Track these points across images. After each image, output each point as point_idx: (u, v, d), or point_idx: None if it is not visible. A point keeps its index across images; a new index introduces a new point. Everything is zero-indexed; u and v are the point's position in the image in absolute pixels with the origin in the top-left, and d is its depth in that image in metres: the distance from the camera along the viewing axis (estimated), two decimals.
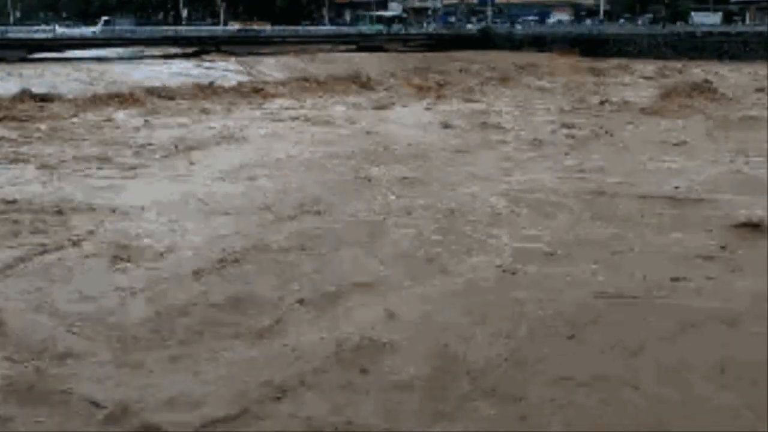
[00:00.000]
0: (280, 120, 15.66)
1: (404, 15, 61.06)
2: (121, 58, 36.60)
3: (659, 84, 22.36)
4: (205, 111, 17.02)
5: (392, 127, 14.34)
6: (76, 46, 40.09)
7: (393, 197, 8.49)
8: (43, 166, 10.59)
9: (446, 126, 14.33)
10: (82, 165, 10.71)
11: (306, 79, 23.44)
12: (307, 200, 8.33)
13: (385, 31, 49.87)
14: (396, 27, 52.74)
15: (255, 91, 20.80)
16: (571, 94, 20.39)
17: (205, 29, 50.81)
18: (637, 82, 24.62)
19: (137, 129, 14.24)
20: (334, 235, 7.01)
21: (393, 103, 18.56)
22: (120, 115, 16.17)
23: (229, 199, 8.46)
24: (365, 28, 54.14)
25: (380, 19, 59.27)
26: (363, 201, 8.28)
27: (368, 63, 30.59)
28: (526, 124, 14.73)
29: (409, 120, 15.57)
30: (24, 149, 12.13)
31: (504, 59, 32.82)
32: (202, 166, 10.62)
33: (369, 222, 7.46)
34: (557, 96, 20.20)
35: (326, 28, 55.36)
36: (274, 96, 19.96)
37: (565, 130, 13.39)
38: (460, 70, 27.20)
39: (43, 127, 14.43)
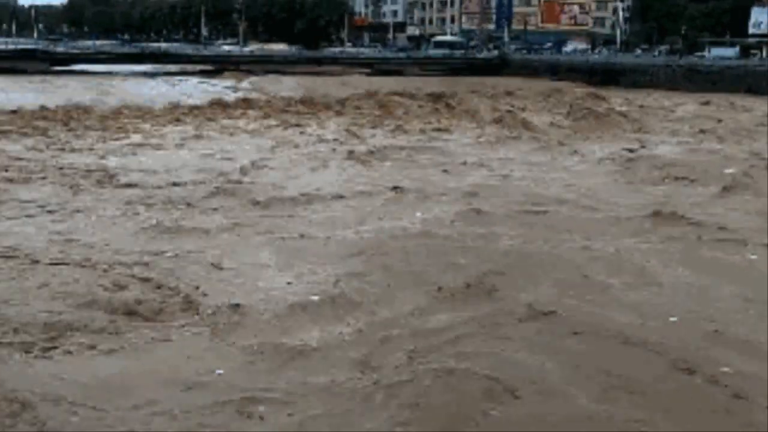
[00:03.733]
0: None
1: (467, 40, 61.79)
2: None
3: None
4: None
5: None
6: (99, 61, 40.80)
7: None
8: None
9: None
10: None
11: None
12: None
13: (449, 56, 50.67)
14: (458, 52, 53.26)
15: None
16: None
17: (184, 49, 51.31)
18: None
19: None
20: None
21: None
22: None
23: None
24: (432, 53, 55.02)
25: (442, 44, 59.95)
26: None
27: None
28: None
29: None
30: None
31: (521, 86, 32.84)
32: None
33: None
34: None
35: (345, 51, 55.82)
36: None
37: None
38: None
39: None
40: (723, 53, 50.06)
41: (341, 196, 9.74)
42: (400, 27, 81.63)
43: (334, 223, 8.37)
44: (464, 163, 12.73)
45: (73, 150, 13.30)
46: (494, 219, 8.60)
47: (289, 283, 6.26)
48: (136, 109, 20.03)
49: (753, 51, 52.93)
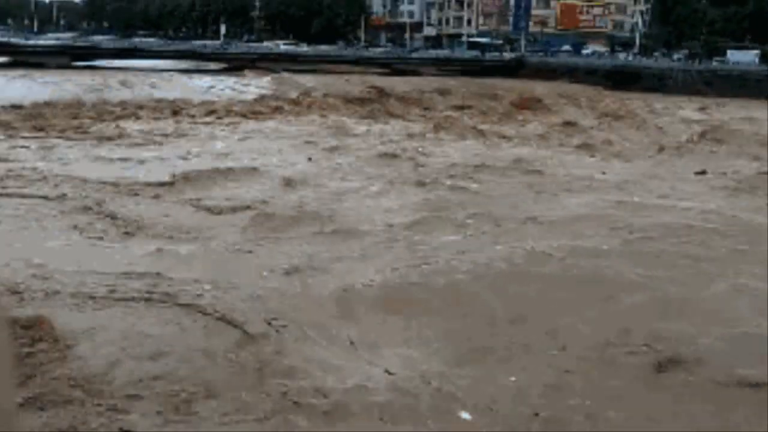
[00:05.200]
0: None
1: (499, 41, 61.84)
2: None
3: None
4: None
5: None
6: (115, 56, 41.06)
7: None
8: None
9: None
10: None
11: None
12: None
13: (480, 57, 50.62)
14: (490, 54, 53.14)
15: None
16: None
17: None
18: None
19: None
20: None
21: None
22: None
23: None
24: (463, 54, 55.10)
25: (474, 45, 60.08)
26: None
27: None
28: None
29: None
30: None
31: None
32: None
33: None
34: None
35: (359, 51, 55.84)
36: None
37: None
38: None
39: None
40: (742, 58, 49.62)
41: None
42: (417, 27, 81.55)
43: None
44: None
45: None
46: None
47: None
48: None
49: None
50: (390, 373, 5.06)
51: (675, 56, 56.01)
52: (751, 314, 6.30)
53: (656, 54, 60.60)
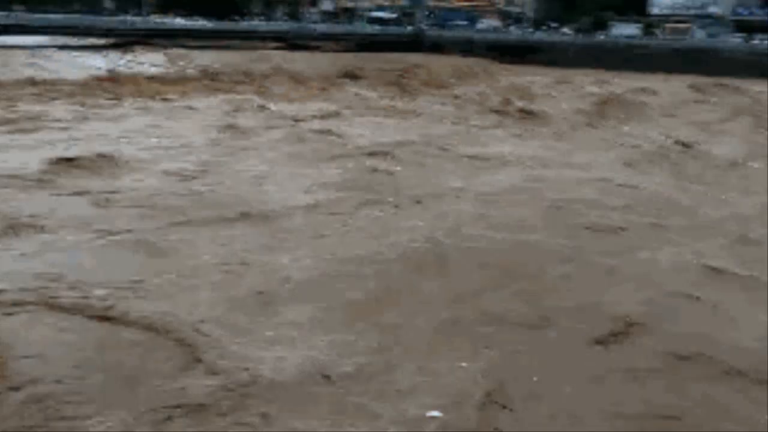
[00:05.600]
0: None
1: (400, 17, 62.75)
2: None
3: None
4: None
5: None
6: None
7: None
8: None
9: None
10: None
11: None
12: None
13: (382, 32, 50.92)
14: (392, 28, 53.66)
15: None
16: None
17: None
18: None
19: None
20: None
21: None
22: None
23: None
24: (365, 28, 54.90)
25: (376, 20, 60.84)
26: None
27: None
28: None
29: None
30: None
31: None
32: None
33: None
34: None
35: (258, 24, 54.07)
36: None
37: None
38: None
39: None
40: (625, 31, 52.41)
41: None
42: (315, 0, 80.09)
43: None
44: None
45: None
46: None
47: None
48: None
49: (653, 30, 55.63)
50: (319, 360, 4.72)
51: (563, 30, 58.11)
52: (677, 279, 6.45)
53: (546, 28, 62.63)
